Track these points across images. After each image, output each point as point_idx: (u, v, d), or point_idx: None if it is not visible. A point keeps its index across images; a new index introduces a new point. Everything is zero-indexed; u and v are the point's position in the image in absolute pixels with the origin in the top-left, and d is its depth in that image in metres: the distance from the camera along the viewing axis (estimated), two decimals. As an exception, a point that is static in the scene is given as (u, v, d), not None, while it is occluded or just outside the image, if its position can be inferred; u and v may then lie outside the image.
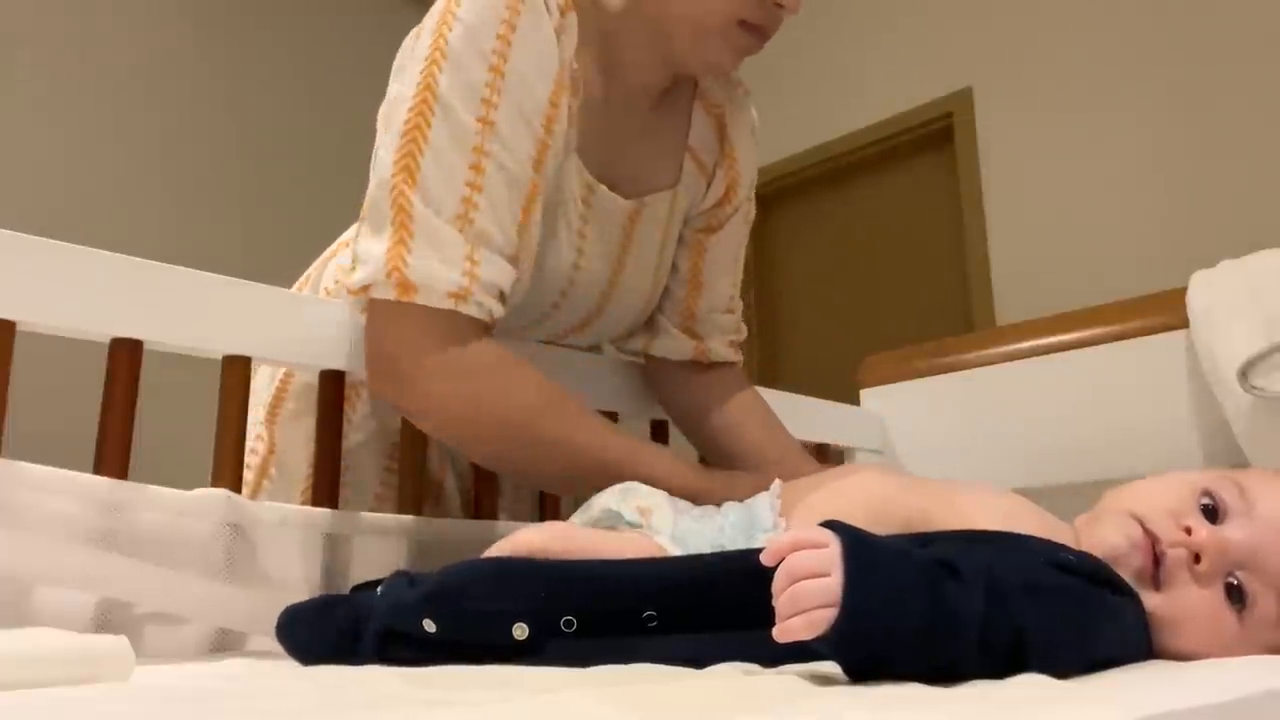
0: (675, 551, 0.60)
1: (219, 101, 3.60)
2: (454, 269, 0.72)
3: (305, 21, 3.89)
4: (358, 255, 0.74)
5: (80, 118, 3.26)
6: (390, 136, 0.75)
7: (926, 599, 0.44)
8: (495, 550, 0.59)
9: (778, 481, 0.70)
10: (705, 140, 0.96)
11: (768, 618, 0.45)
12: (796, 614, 0.44)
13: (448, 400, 0.74)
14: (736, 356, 1.01)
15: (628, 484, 0.69)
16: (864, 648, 0.44)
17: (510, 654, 0.53)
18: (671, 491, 0.71)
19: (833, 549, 0.45)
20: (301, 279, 1.00)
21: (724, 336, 1.00)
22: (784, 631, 0.44)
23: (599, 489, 0.70)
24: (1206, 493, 0.60)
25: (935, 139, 3.31)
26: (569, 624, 0.53)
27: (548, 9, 0.77)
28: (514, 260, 0.76)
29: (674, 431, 1.04)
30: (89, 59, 3.31)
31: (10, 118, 3.12)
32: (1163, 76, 2.76)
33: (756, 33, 0.80)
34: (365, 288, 0.73)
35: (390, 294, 0.72)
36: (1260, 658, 0.54)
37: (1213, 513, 0.59)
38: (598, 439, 0.76)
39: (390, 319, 0.73)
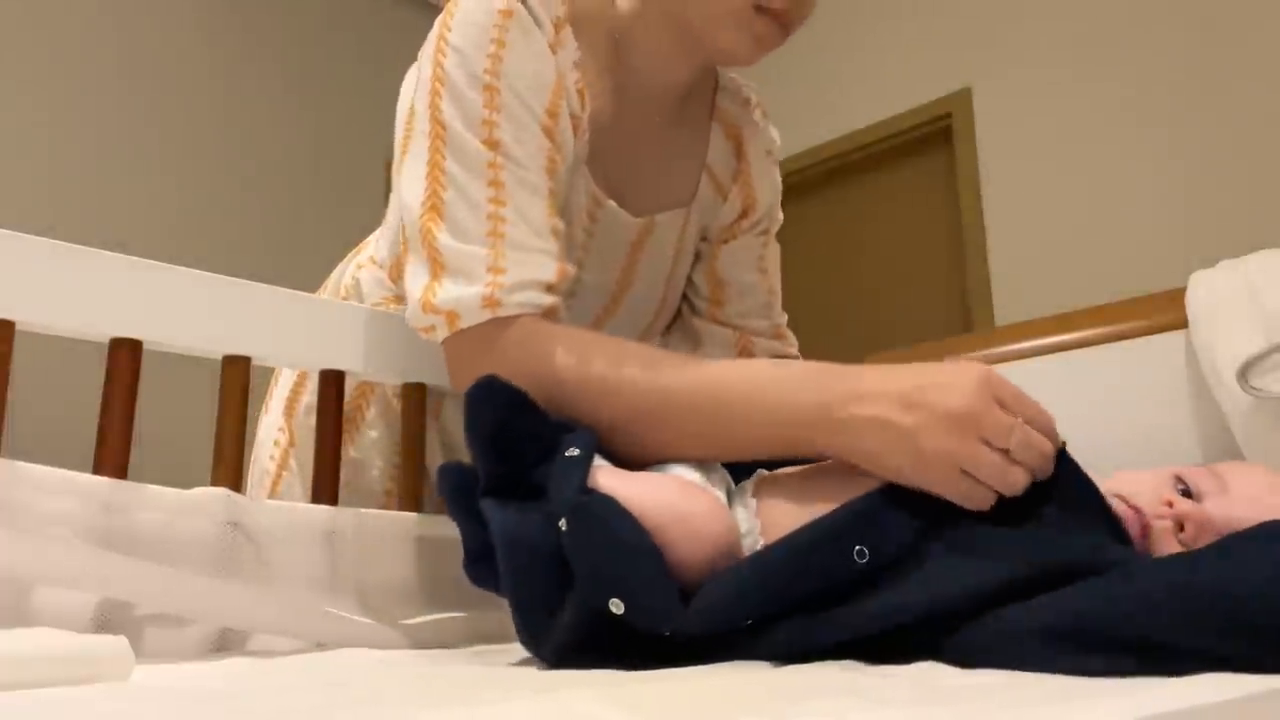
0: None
1: (222, 101, 3.60)
2: (478, 283, 0.71)
3: (310, 21, 3.89)
4: (407, 291, 0.75)
5: (81, 117, 3.26)
6: (410, 167, 0.76)
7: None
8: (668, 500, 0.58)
9: (759, 472, 0.68)
10: (723, 159, 0.96)
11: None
12: None
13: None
14: (788, 349, 1.01)
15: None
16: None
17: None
18: (775, 438, 0.64)
19: None
20: (322, 287, 1.01)
21: (765, 328, 1.00)
22: None
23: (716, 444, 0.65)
24: (1179, 478, 0.65)
25: (935, 139, 3.31)
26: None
27: (539, 25, 0.77)
28: (555, 253, 0.74)
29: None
30: (90, 58, 3.31)
31: (11, 117, 3.12)
32: (1162, 77, 2.76)
33: (775, 19, 0.78)
34: (429, 328, 0.73)
35: (445, 330, 0.72)
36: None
37: (1187, 495, 0.64)
38: (689, 372, 0.68)
39: (458, 355, 0.74)
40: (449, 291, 0.72)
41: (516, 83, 0.75)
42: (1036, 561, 0.51)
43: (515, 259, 0.72)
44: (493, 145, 0.74)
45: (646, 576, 0.54)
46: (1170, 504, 0.62)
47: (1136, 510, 0.62)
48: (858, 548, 0.53)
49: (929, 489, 0.58)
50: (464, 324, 0.72)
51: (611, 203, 0.86)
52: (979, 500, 0.57)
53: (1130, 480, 0.66)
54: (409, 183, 0.75)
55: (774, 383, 0.66)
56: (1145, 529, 0.62)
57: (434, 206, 0.73)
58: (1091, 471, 0.62)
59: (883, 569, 0.54)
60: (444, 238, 0.72)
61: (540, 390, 0.67)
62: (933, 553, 0.55)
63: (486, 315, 0.71)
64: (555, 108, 0.77)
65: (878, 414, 0.60)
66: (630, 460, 0.67)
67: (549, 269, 0.73)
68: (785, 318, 1.04)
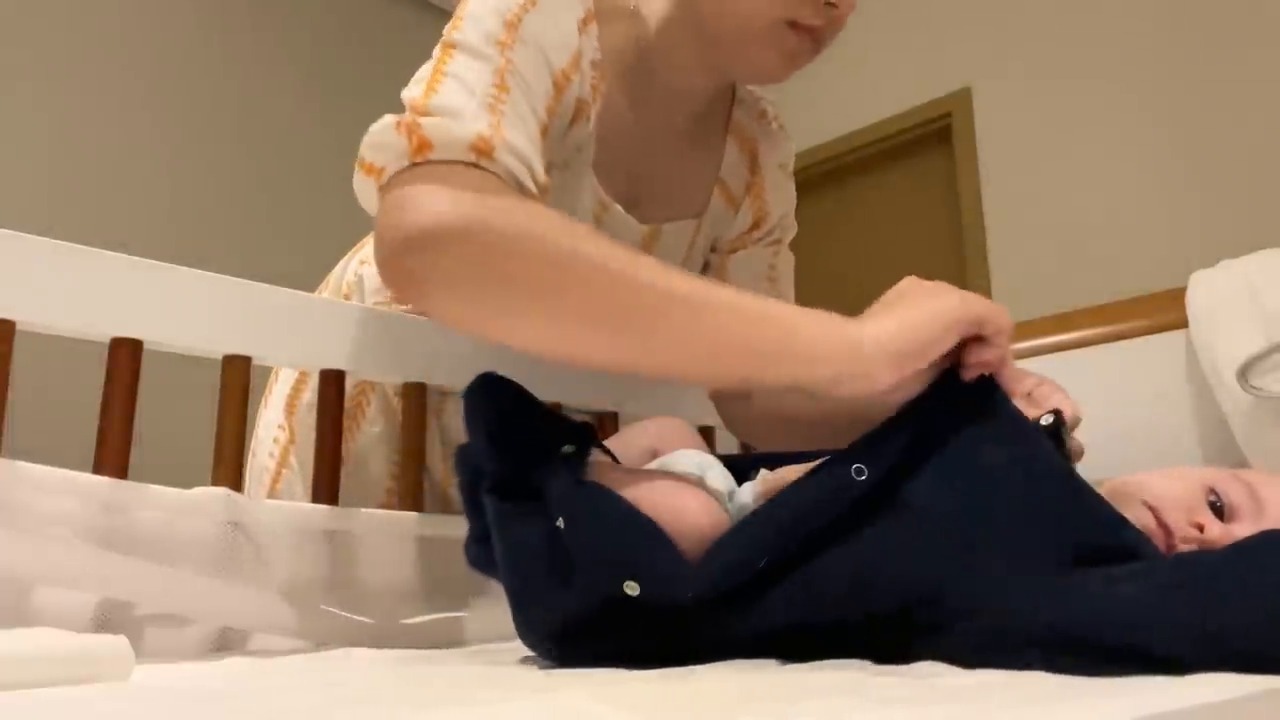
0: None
1: (222, 100, 3.60)
2: (478, 123, 0.63)
3: (311, 21, 3.89)
4: (371, 129, 0.67)
5: (82, 116, 3.26)
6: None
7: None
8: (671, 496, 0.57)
9: (762, 472, 0.69)
10: (736, 171, 0.95)
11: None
12: None
13: (452, 241, 0.59)
14: None
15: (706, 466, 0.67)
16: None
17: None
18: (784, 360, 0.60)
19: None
20: (323, 284, 1.01)
21: None
22: None
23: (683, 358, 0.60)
24: (1213, 490, 0.61)
25: (934, 139, 3.31)
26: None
27: (572, 6, 0.77)
28: (543, 165, 0.69)
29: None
30: (91, 57, 3.30)
31: (12, 116, 3.12)
32: (1162, 76, 2.76)
33: (808, 36, 0.75)
34: (380, 168, 0.63)
35: (403, 158, 0.62)
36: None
37: (1219, 511, 0.60)
38: (659, 271, 0.60)
39: (403, 192, 0.61)
40: (436, 124, 0.62)
41: (541, 35, 0.73)
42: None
43: (511, 123, 0.65)
44: (506, 59, 0.70)
45: (655, 550, 0.53)
46: (1200, 527, 0.59)
47: (1164, 528, 0.60)
48: (855, 465, 0.54)
49: (948, 313, 0.60)
50: (435, 156, 0.61)
51: (618, 207, 0.85)
52: (1000, 316, 0.60)
53: (1158, 486, 0.62)
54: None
55: (757, 298, 0.62)
56: (1170, 550, 0.60)
57: (429, 93, 0.67)
58: (1093, 472, 0.62)
59: (880, 491, 0.54)
60: (434, 99, 0.65)
61: (513, 264, 0.59)
62: (922, 470, 0.55)
63: (470, 157, 0.61)
64: (571, 71, 0.76)
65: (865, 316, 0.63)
66: (594, 363, 0.62)
67: (539, 168, 0.68)
68: None
